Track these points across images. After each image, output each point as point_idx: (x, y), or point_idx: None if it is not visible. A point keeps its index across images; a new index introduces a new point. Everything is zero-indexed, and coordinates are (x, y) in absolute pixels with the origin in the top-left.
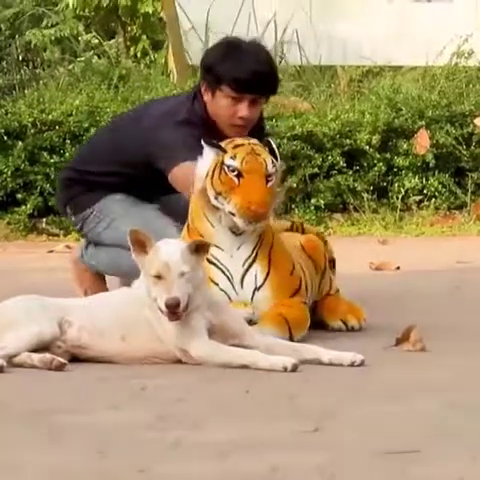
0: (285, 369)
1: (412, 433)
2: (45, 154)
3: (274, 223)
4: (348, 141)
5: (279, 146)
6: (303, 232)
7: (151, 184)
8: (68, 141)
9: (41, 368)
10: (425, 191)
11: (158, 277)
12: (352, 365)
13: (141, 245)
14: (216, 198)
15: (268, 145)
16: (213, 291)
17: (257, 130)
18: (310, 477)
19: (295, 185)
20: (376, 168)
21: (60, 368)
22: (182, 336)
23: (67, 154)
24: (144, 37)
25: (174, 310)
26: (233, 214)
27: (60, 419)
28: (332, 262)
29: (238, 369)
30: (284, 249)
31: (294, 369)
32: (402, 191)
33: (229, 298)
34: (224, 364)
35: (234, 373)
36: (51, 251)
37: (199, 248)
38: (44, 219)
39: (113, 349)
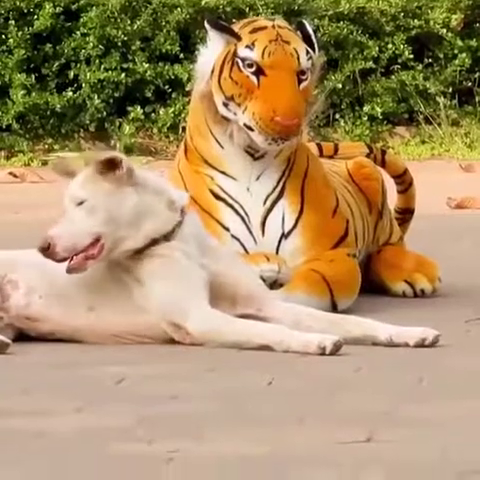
0: (323, 350)
1: None
2: None
3: (326, 144)
4: (417, 22)
5: (317, 30)
6: (383, 164)
7: None
8: (12, 22)
9: None
10: None
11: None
12: (422, 345)
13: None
14: (226, 105)
15: (301, 28)
16: (221, 239)
17: None
18: None
19: (340, 86)
20: (457, 61)
21: (0, 350)
22: (172, 303)
23: (11, 40)
24: None
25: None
26: (250, 128)
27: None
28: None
29: (254, 351)
30: (324, 179)
31: (336, 350)
32: None
33: (245, 249)
34: (235, 344)
35: (249, 357)
36: None
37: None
38: None
39: (77, 322)
